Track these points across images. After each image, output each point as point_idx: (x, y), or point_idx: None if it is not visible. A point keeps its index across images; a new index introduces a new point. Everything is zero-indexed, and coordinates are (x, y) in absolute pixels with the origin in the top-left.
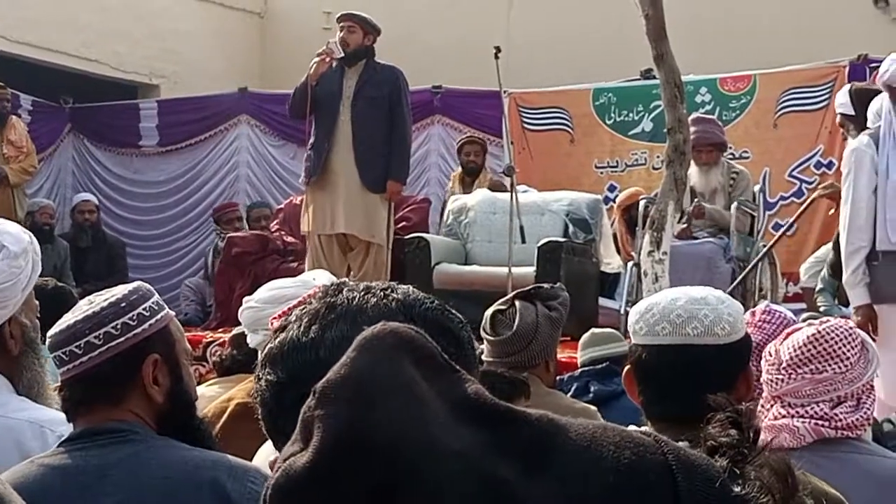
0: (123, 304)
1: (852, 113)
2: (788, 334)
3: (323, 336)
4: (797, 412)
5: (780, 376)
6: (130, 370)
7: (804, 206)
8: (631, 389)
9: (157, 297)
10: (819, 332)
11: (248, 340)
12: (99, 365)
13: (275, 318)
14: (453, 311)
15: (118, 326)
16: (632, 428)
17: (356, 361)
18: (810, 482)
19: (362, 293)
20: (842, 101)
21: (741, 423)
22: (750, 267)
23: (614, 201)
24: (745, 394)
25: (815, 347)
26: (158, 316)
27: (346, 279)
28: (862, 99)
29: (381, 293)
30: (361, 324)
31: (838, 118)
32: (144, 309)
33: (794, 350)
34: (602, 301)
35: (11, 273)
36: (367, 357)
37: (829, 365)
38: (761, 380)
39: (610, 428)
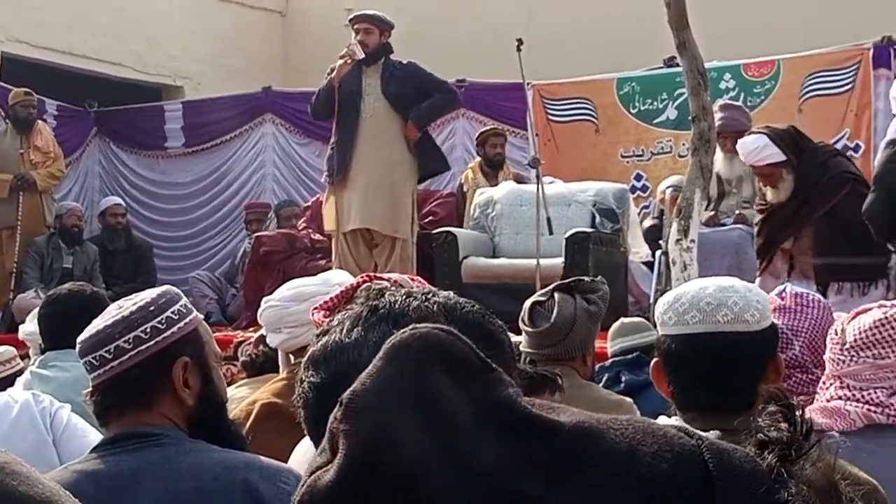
0: (152, 308)
1: (783, 159)
2: (857, 313)
3: (366, 337)
4: (853, 395)
5: (843, 357)
6: (161, 373)
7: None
8: (659, 381)
9: (185, 300)
10: (886, 317)
11: (269, 340)
12: (129, 369)
13: (315, 308)
14: (493, 316)
15: (147, 330)
16: (670, 423)
17: (381, 372)
18: (844, 468)
19: (404, 297)
20: (767, 152)
21: (793, 417)
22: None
23: (641, 190)
24: (775, 381)
25: (879, 332)
26: (187, 319)
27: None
28: (789, 141)
29: (423, 297)
30: (403, 326)
31: (756, 169)
32: (173, 312)
33: (860, 332)
34: None
35: None
36: (392, 367)
37: (893, 351)
38: (825, 357)
39: (650, 433)
